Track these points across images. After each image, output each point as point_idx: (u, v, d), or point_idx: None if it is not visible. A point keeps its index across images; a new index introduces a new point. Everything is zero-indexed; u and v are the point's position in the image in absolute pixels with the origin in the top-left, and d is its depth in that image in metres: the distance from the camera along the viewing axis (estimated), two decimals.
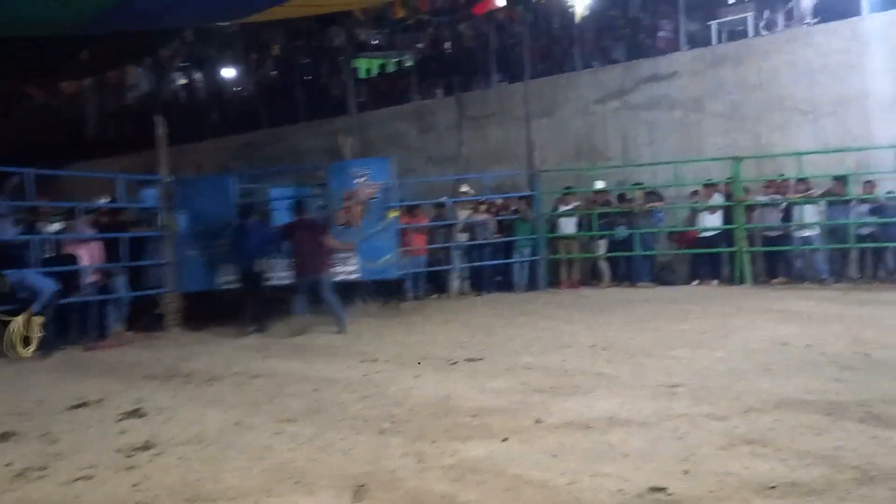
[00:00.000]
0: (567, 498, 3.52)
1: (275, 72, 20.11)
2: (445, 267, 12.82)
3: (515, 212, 13.29)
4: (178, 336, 9.97)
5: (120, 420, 5.39)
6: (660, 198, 12.70)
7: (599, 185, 13.23)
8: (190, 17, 11.00)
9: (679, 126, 13.42)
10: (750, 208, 12.00)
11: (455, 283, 12.80)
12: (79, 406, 5.91)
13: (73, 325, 9.38)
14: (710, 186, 12.23)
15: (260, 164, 17.03)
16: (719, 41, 13.52)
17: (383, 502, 3.61)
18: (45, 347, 8.40)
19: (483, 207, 13.28)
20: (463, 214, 13.19)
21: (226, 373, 7.05)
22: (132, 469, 4.25)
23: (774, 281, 11.72)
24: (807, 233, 11.60)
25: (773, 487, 3.50)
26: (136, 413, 5.54)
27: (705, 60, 13.29)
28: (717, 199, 12.25)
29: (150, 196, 10.87)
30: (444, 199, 13.15)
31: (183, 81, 22.06)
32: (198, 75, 21.76)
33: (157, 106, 17.61)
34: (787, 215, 11.80)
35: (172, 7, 9.13)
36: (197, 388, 6.48)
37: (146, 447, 4.64)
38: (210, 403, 5.84)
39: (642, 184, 12.97)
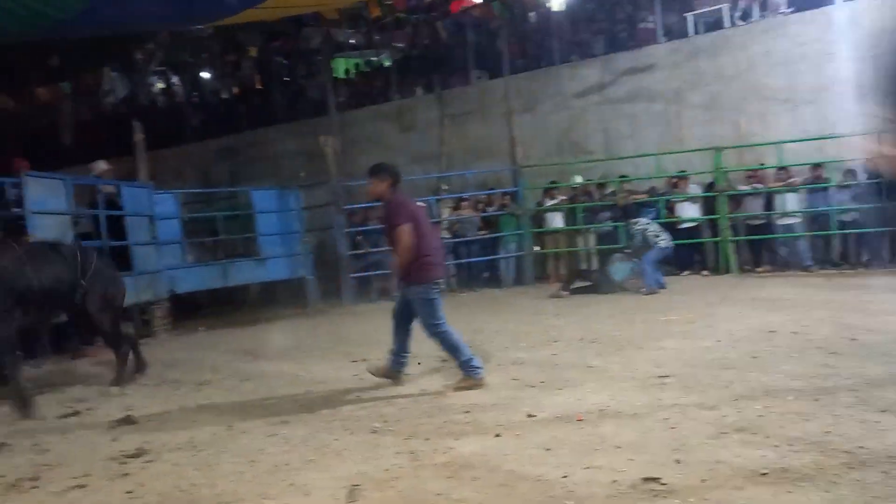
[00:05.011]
0: (561, 491, 3.53)
1: (253, 74, 20.01)
2: None
3: (502, 207, 13.32)
4: (167, 341, 9.93)
5: (111, 428, 5.36)
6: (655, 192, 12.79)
7: (577, 179, 13.28)
8: (160, 22, 10.92)
9: (659, 118, 13.49)
10: (733, 198, 12.09)
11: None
12: (69, 415, 5.87)
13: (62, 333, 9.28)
14: (684, 178, 12.35)
15: (241, 168, 16.98)
16: (696, 33, 13.59)
17: (378, 502, 3.61)
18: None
19: (466, 204, 13.32)
20: (446, 212, 13.22)
21: (216, 377, 7.03)
22: (126, 476, 4.23)
23: (759, 269, 11.82)
24: (789, 221, 11.71)
25: (764, 474, 3.53)
26: (127, 420, 5.50)
27: (683, 52, 13.36)
28: (695, 189, 12.37)
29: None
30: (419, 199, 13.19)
31: (160, 86, 21.91)
32: (175, 79, 21.61)
33: (135, 111, 17.46)
34: (769, 204, 11.90)
35: (141, 13, 9.00)
36: (187, 393, 6.46)
37: (139, 454, 4.61)
38: (201, 408, 5.83)
39: (627, 176, 13.03)
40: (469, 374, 5.70)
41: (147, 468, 4.37)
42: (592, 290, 11.07)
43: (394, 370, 5.99)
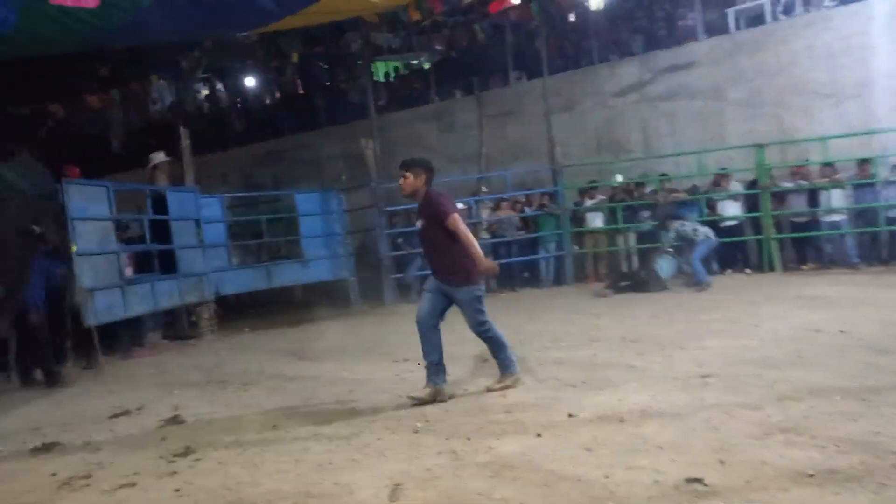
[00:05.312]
0: (602, 492, 3.52)
1: (295, 79, 20.24)
2: None
3: (541, 207, 13.31)
4: (213, 342, 10.11)
5: (160, 427, 5.50)
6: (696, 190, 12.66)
7: (618, 178, 13.21)
8: (205, 31, 11.14)
9: (700, 115, 13.34)
10: (777, 195, 11.92)
11: None
12: (119, 415, 6.03)
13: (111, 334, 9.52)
14: (725, 176, 12.19)
15: (284, 171, 17.19)
16: (737, 28, 13.42)
17: (420, 500, 3.64)
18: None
19: (505, 204, 13.33)
20: (485, 213, 13.25)
21: (261, 377, 7.15)
22: (174, 475, 4.33)
23: (804, 267, 11.63)
24: (835, 217, 11.50)
25: (810, 475, 3.48)
26: (175, 420, 5.64)
27: (724, 49, 13.20)
28: (737, 187, 12.22)
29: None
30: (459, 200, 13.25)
31: (205, 92, 22.27)
32: (219, 85, 21.95)
33: (181, 117, 17.77)
34: (813, 201, 11.70)
35: (185, 23, 9.18)
36: (233, 393, 6.58)
37: (186, 453, 4.72)
38: (247, 408, 5.93)
39: (667, 175, 12.92)
40: (507, 370, 5.72)
41: (194, 467, 4.47)
42: (635, 289, 11.01)
43: (439, 386, 5.62)
